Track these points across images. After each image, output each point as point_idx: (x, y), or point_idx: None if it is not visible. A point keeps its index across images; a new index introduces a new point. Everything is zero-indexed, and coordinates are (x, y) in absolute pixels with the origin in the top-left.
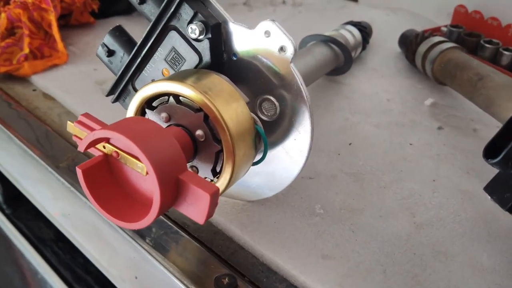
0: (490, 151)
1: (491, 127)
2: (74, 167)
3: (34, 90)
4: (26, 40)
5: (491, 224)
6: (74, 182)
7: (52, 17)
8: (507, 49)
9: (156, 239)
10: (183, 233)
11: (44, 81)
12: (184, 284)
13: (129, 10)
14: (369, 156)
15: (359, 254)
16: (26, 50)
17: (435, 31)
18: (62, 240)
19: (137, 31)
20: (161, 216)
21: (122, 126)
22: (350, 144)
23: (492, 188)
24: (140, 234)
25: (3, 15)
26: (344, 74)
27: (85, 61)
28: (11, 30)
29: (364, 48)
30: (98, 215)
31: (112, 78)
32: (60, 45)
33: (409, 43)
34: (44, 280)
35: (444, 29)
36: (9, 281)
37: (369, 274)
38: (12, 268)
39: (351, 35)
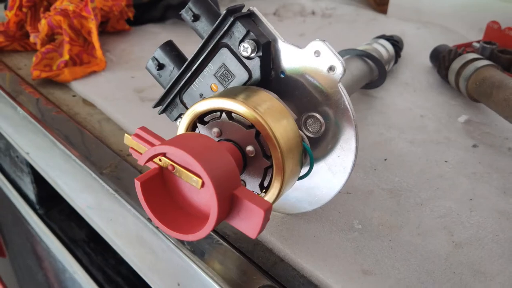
0: None
1: None
2: (118, 173)
3: (74, 96)
4: (66, 47)
5: None
6: (118, 188)
7: (93, 25)
8: None
9: (198, 247)
10: (224, 243)
11: (83, 87)
12: None
13: (162, 18)
14: (404, 173)
15: (399, 271)
16: (66, 57)
17: (467, 46)
18: (94, 241)
19: (171, 38)
20: None
21: (181, 142)
22: (385, 159)
23: None
24: (182, 242)
25: (43, 21)
26: (377, 88)
27: (122, 68)
28: (51, 36)
29: (396, 61)
30: (142, 222)
31: (150, 87)
32: (99, 52)
33: (442, 58)
34: (72, 279)
35: (476, 45)
36: (32, 276)
37: None
38: (36, 264)
39: (385, 49)
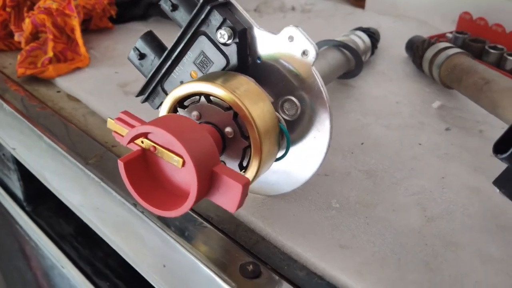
0: (499, 147)
1: (496, 128)
2: (103, 163)
3: (58, 91)
4: (50, 44)
5: (499, 217)
6: (103, 177)
7: (75, 23)
8: (511, 55)
9: (182, 230)
10: (207, 225)
11: (68, 83)
12: (212, 271)
13: (145, 16)
14: (380, 155)
15: (374, 244)
16: (50, 54)
17: (441, 37)
18: (81, 235)
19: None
20: None
21: (162, 122)
22: (362, 143)
23: (501, 182)
24: (167, 225)
25: (27, 20)
26: (355, 77)
27: (106, 64)
28: (35, 34)
29: (373, 53)
30: (128, 208)
31: (134, 81)
32: (82, 49)
33: (416, 48)
34: (61, 275)
35: (450, 35)
36: (21, 276)
37: (384, 261)
38: (25, 264)
39: (361, 41)
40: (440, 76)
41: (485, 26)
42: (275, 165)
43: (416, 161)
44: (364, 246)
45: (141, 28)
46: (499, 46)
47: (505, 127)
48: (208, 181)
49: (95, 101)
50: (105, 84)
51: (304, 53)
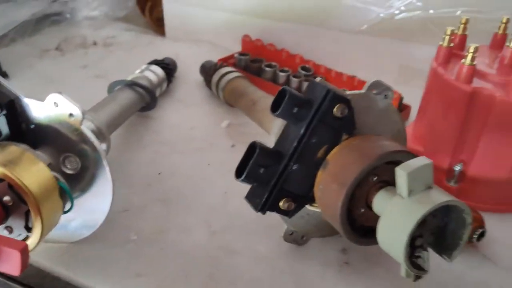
0: (240, 171)
1: None
2: None
3: None
4: None
5: (266, 220)
6: None
7: None
8: (282, 71)
9: None
10: (13, 283)
11: None
12: None
13: None
14: (175, 182)
15: (168, 267)
16: None
17: (229, 58)
18: None
19: None
20: None
21: None
22: (159, 173)
23: (249, 197)
24: None
25: None
26: (153, 109)
27: None
28: None
29: (171, 81)
30: None
31: None
32: None
33: (206, 74)
34: None
35: (237, 56)
36: None
37: (175, 282)
38: None
39: (154, 75)
40: (224, 97)
41: (262, 46)
42: (71, 215)
43: (205, 181)
44: (159, 271)
45: None
46: (273, 63)
47: None
48: None
49: None
50: None
51: (71, 115)
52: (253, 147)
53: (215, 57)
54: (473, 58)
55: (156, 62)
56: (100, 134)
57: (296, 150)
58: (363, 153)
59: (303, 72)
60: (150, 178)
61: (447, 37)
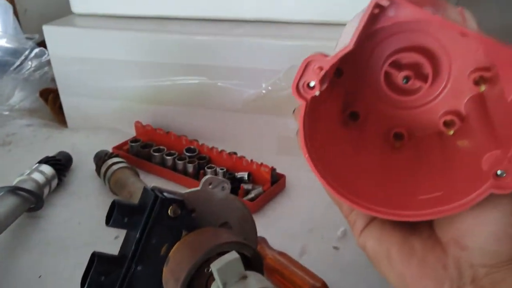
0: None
1: None
2: None
3: None
4: None
5: None
6: None
7: None
8: (169, 154)
9: None
10: None
11: None
12: None
13: None
14: (55, 285)
15: None
16: None
17: (124, 145)
18: None
19: None
20: None
21: None
22: (40, 276)
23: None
24: None
25: None
26: (42, 208)
27: None
28: None
29: (64, 176)
30: None
31: None
32: None
33: (96, 164)
34: None
35: (129, 143)
36: None
37: None
38: None
39: (41, 175)
40: (110, 188)
41: (152, 130)
42: None
43: None
44: None
45: None
46: (162, 147)
47: None
48: None
49: None
50: None
51: None
52: (92, 257)
53: (112, 144)
54: None
55: (46, 160)
56: None
57: (136, 253)
58: (194, 248)
59: (188, 154)
60: (30, 282)
61: None
